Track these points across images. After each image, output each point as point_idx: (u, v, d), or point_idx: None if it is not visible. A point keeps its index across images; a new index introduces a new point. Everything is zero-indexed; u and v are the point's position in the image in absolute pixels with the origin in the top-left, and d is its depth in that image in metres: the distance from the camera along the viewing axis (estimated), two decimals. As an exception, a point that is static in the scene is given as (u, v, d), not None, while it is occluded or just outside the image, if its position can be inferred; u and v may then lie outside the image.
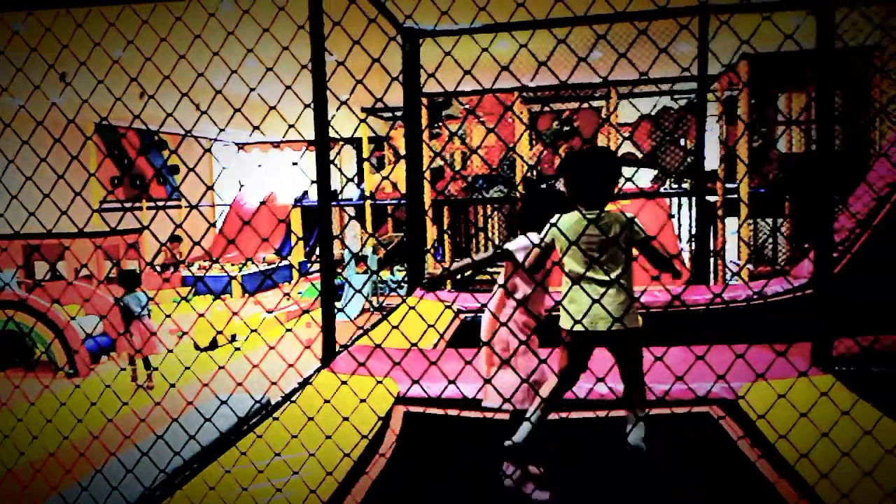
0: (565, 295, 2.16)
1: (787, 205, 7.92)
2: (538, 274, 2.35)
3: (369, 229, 9.71)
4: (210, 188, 1.89)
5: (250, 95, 1.99)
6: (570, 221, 2.20)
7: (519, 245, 2.43)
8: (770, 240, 8.53)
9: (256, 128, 1.88)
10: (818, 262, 3.19)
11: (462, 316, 5.50)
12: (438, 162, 8.74)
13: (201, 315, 2.19)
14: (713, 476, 2.63)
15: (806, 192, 6.98)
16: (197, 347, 7.15)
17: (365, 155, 9.45)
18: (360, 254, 11.59)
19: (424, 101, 7.06)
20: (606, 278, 2.09)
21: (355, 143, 12.15)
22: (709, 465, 2.69)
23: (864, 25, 2.24)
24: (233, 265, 12.05)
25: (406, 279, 6.40)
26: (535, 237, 2.36)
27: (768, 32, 1.82)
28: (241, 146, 14.90)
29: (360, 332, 4.05)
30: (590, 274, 2.13)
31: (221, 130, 1.94)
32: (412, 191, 6.25)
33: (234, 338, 6.71)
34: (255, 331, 1.90)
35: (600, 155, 2.37)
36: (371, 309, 8.98)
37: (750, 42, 1.67)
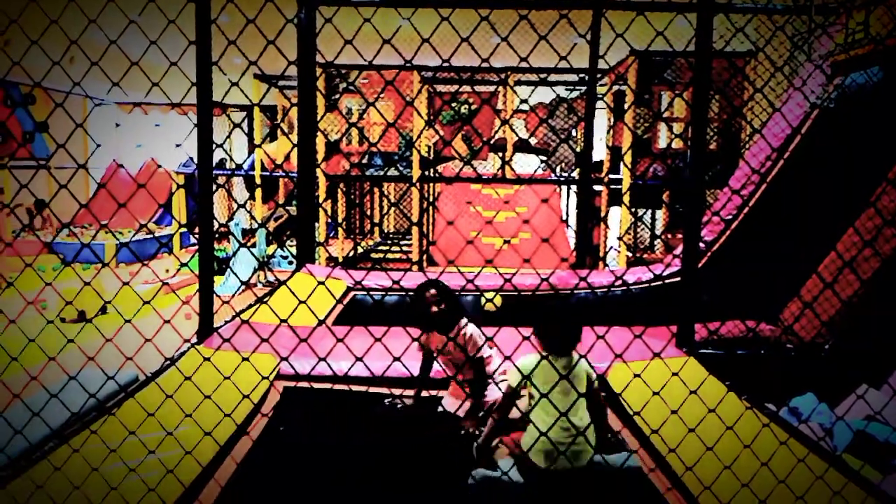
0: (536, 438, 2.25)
1: (665, 196, 8.41)
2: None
3: (258, 201, 9.36)
4: (61, 146, 1.73)
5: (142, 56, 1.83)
6: (540, 366, 2.30)
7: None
8: (648, 229, 9.03)
9: (116, 84, 1.74)
10: (686, 254, 3.39)
11: (353, 293, 5.44)
12: (334, 136, 8.56)
13: (87, 283, 2.02)
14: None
15: (680, 187, 7.44)
16: (63, 320, 6.66)
17: (256, 124, 9.06)
18: (250, 227, 11.17)
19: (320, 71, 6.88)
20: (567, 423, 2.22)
21: (247, 110, 11.65)
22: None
23: (742, 34, 2.38)
24: (108, 233, 11.26)
25: (295, 255, 6.24)
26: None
27: (669, 34, 1.90)
28: (136, 105, 13.82)
29: (239, 309, 3.91)
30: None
31: (76, 84, 1.77)
32: (304, 164, 6.08)
33: (103, 310, 6.30)
34: (109, 302, 1.77)
35: (565, 305, 2.46)
36: (258, 284, 8.71)
37: (625, 38, 1.73)
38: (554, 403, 2.17)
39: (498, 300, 4.77)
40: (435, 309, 2.80)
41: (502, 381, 2.78)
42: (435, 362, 3.06)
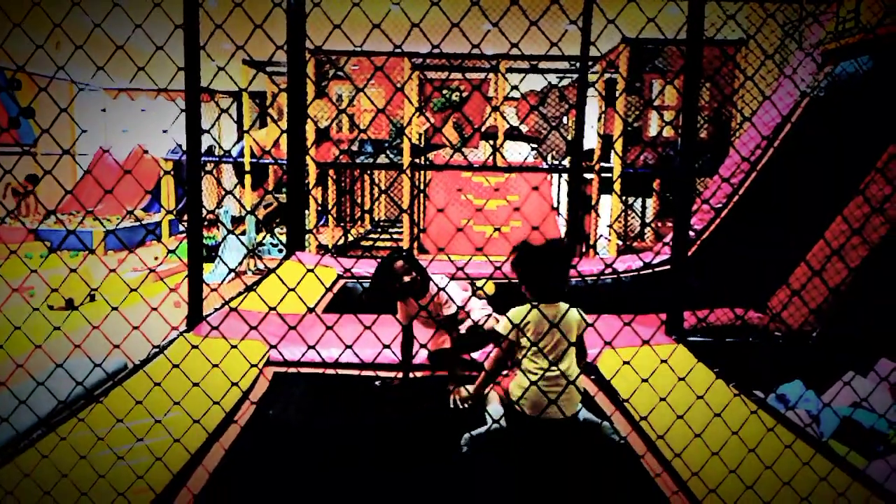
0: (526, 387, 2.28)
1: (655, 184, 8.43)
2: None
3: (247, 188, 9.29)
4: (45, 131, 1.70)
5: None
6: (529, 314, 2.32)
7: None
8: (638, 217, 9.05)
9: (101, 68, 1.71)
10: (675, 242, 3.40)
11: (343, 281, 5.43)
12: (324, 123, 8.50)
13: (73, 270, 2.00)
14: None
15: (670, 175, 7.46)
16: (50, 307, 6.60)
17: (245, 110, 8.98)
18: (239, 214, 11.10)
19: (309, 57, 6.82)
20: (556, 371, 2.27)
21: (235, 96, 11.54)
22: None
23: (734, 22, 2.37)
24: (95, 220, 11.15)
25: (285, 242, 6.21)
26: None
27: (661, 21, 1.89)
28: (123, 90, 13.61)
29: (228, 297, 3.89)
30: (547, 365, 2.29)
31: (60, 68, 1.74)
32: (293, 151, 6.03)
33: (92, 297, 6.26)
34: (96, 290, 1.75)
35: (553, 249, 2.44)
36: (247, 272, 8.67)
37: (617, 25, 1.72)
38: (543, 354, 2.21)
39: (490, 288, 4.80)
40: (408, 278, 2.81)
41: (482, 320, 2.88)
42: (416, 339, 3.05)
